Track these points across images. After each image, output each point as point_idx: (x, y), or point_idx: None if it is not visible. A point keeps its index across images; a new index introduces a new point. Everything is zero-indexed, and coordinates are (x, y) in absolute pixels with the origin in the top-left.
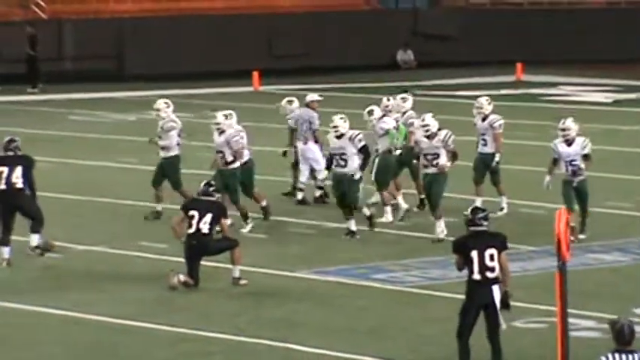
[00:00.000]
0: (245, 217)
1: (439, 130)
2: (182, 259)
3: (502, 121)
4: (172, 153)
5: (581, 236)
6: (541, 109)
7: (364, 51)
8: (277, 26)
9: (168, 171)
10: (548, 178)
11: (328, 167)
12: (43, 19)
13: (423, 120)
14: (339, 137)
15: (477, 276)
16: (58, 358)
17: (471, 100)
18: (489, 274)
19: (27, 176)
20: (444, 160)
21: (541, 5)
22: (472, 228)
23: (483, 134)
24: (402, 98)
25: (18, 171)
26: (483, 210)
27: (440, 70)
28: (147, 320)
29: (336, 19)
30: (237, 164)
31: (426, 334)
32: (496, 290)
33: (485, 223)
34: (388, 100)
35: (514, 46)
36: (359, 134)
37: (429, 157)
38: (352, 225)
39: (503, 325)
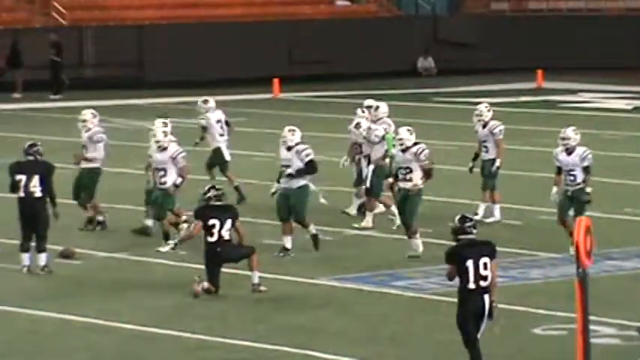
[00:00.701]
0: (167, 236)
1: (415, 144)
2: (202, 266)
3: (502, 127)
4: (95, 165)
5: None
6: (561, 116)
7: (384, 58)
8: (298, 33)
9: (86, 181)
10: (555, 189)
11: (279, 180)
12: (64, 25)
13: (398, 134)
14: (288, 149)
15: (471, 285)
16: None
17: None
18: (483, 283)
19: (46, 183)
20: (417, 177)
21: (561, 12)
22: (462, 236)
23: (484, 141)
24: (376, 107)
25: (35, 179)
26: (471, 219)
27: (460, 77)
28: (168, 327)
29: (356, 26)
30: (170, 184)
31: (445, 340)
32: (487, 300)
33: (474, 231)
34: (363, 112)
35: (534, 53)
36: (306, 149)
37: (402, 170)
38: (288, 242)
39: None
